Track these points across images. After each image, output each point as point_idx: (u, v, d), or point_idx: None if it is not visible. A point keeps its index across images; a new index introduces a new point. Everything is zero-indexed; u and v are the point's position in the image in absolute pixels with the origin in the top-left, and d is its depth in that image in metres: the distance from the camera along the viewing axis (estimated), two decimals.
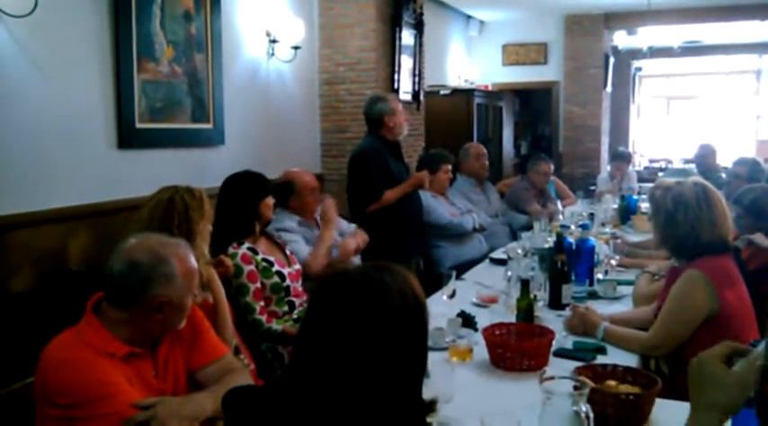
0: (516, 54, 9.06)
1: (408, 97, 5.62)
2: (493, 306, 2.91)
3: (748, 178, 4.70)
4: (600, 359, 2.24)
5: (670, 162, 11.97)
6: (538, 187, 5.68)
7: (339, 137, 5.23)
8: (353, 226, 3.88)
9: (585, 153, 8.90)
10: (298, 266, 3.15)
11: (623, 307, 2.91)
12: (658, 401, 1.84)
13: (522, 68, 9.03)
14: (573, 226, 4.00)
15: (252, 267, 2.89)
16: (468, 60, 8.86)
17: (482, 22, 9.04)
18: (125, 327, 1.76)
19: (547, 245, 3.32)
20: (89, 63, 3.18)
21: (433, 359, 1.42)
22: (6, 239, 2.80)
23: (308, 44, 5.00)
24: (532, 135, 10.73)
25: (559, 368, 2.08)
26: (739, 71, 13.59)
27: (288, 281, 2.99)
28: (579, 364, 2.09)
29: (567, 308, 2.76)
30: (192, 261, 1.86)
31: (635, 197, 5.47)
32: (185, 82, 3.75)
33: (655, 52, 10.28)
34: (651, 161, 12.64)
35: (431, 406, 1.30)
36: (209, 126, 3.95)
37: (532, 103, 10.45)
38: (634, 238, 4.30)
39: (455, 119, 6.87)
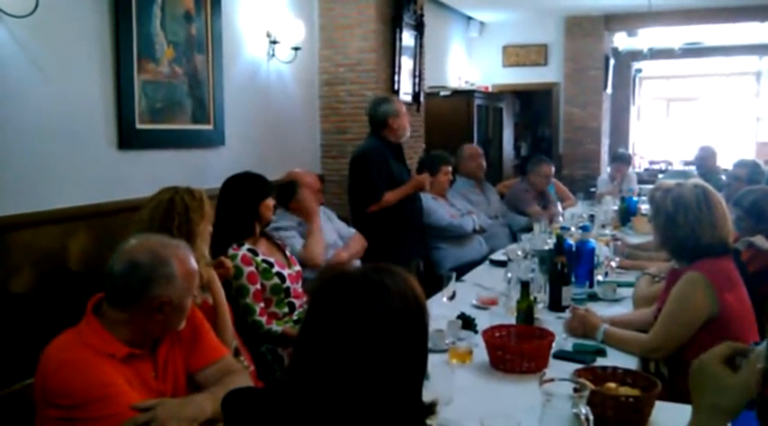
0: (516, 55, 9.06)
1: (408, 98, 5.62)
2: (493, 308, 2.91)
3: (748, 180, 4.71)
4: (600, 362, 2.24)
5: (670, 164, 11.97)
6: (538, 189, 5.68)
7: (339, 138, 5.23)
8: (353, 230, 3.88)
9: (585, 154, 8.90)
10: (298, 267, 3.15)
11: (623, 309, 2.91)
12: (658, 403, 1.84)
13: (523, 70, 9.03)
14: (573, 228, 4.00)
15: (252, 268, 2.89)
16: (468, 61, 8.87)
17: (482, 24, 9.05)
18: (125, 328, 1.76)
19: (547, 247, 3.32)
20: (90, 63, 3.18)
21: (433, 360, 1.42)
22: (6, 239, 2.80)
23: (309, 45, 5.00)
24: (532, 136, 10.73)
25: (559, 370, 2.08)
26: (739, 73, 13.59)
27: (288, 283, 2.99)
28: (579, 366, 2.09)
29: (567, 310, 2.76)
30: (193, 262, 1.86)
31: (635, 199, 5.47)
32: (186, 82, 3.75)
33: (655, 54, 10.29)
34: (651, 163, 12.64)
35: (431, 408, 1.29)
36: (209, 127, 3.95)
37: (533, 105, 10.46)
38: (634, 240, 4.31)
39: (455, 121, 6.87)
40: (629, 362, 2.26)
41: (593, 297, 3.09)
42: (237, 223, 2.96)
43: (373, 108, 4.16)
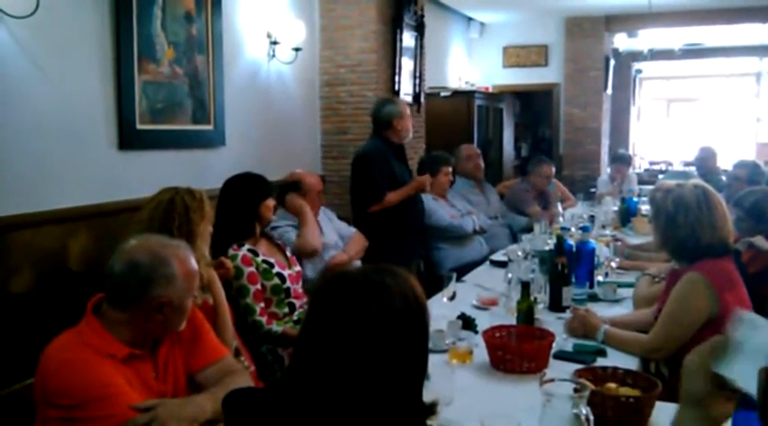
0: (517, 56, 9.06)
1: (409, 99, 5.62)
2: (493, 309, 2.91)
3: (748, 181, 4.71)
4: (600, 362, 2.24)
5: (670, 164, 11.97)
6: (538, 189, 5.68)
7: (339, 138, 5.23)
8: (353, 230, 3.88)
9: (586, 155, 8.90)
10: (298, 268, 3.15)
11: (623, 310, 2.91)
12: (658, 404, 1.84)
13: (523, 70, 9.03)
14: (573, 229, 4.00)
15: (252, 269, 2.89)
16: (468, 62, 8.87)
17: (483, 24, 9.05)
18: (125, 328, 1.76)
19: (547, 248, 3.32)
20: (90, 64, 3.18)
21: (434, 361, 1.43)
22: (7, 239, 2.80)
23: (309, 45, 5.00)
24: (533, 137, 10.73)
25: (559, 370, 2.08)
26: (740, 74, 13.59)
27: (288, 283, 2.99)
28: (579, 366, 2.09)
29: (568, 311, 2.77)
30: (193, 262, 1.86)
31: (635, 199, 5.47)
32: (186, 83, 3.75)
33: (655, 54, 10.29)
34: (651, 163, 12.64)
35: (431, 408, 1.29)
36: (209, 127, 3.95)
37: (533, 105, 10.46)
38: (634, 240, 4.31)
39: (456, 121, 6.86)
40: (630, 363, 2.26)
41: (594, 298, 3.09)
42: (238, 223, 2.96)
43: (378, 109, 4.17)
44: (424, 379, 1.28)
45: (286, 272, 3.01)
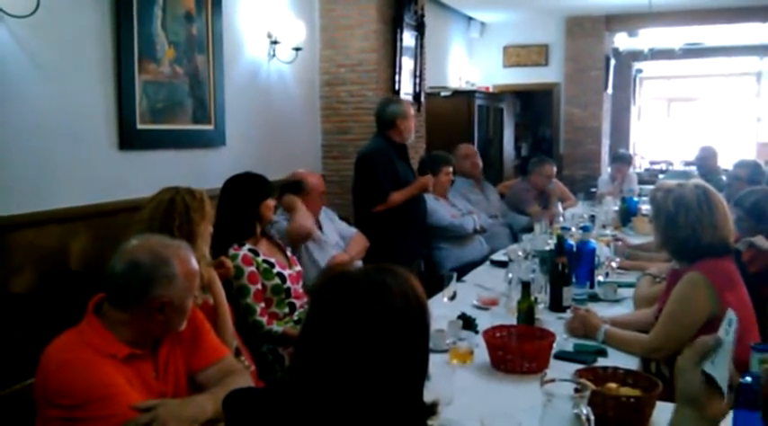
0: (517, 56, 9.06)
1: (409, 99, 5.62)
2: (493, 309, 2.92)
3: (749, 180, 4.70)
4: (600, 362, 2.24)
5: (671, 164, 11.96)
6: (539, 188, 5.68)
7: (340, 138, 5.23)
8: (354, 230, 3.89)
9: (586, 155, 8.89)
10: (298, 268, 3.15)
11: (624, 310, 2.91)
12: (659, 404, 1.84)
13: (523, 70, 9.03)
14: (574, 228, 4.00)
15: (253, 268, 2.89)
16: (469, 62, 8.87)
17: (483, 24, 9.05)
18: (126, 328, 1.76)
19: (547, 248, 3.32)
20: (90, 64, 3.18)
21: (434, 361, 1.42)
22: (7, 239, 2.80)
23: (309, 45, 5.00)
24: (533, 137, 10.73)
25: (560, 370, 2.08)
26: (740, 73, 13.58)
27: (288, 283, 2.99)
28: (580, 366, 2.09)
29: (568, 311, 2.77)
30: (194, 262, 1.86)
31: (636, 199, 5.47)
32: (186, 83, 3.75)
33: (655, 54, 10.28)
34: (652, 163, 12.63)
35: (432, 409, 1.29)
36: (210, 127, 3.95)
37: (533, 105, 10.45)
38: (635, 240, 4.31)
39: (456, 121, 6.86)
40: (630, 363, 2.26)
41: (594, 298, 3.09)
42: (238, 223, 2.96)
43: (381, 108, 4.19)
44: (424, 379, 1.28)
45: (286, 272, 3.01)
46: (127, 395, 1.68)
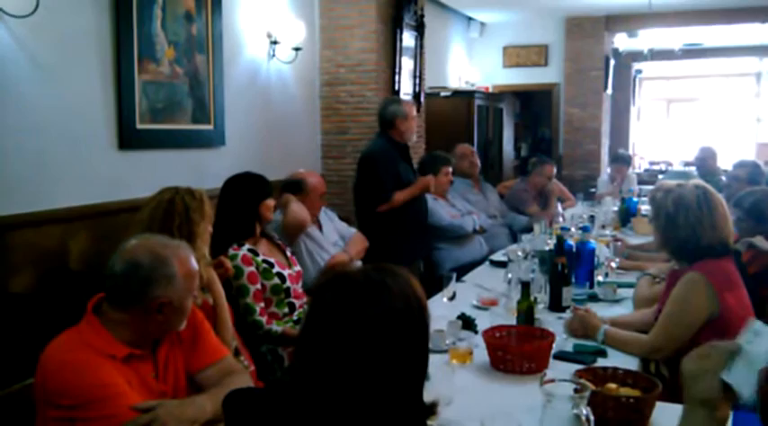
0: (517, 56, 9.06)
1: (409, 99, 5.62)
2: (493, 309, 2.92)
3: (748, 181, 4.70)
4: (600, 362, 2.25)
5: (670, 164, 11.96)
6: (538, 188, 5.68)
7: (339, 138, 5.23)
8: (353, 230, 3.89)
9: (586, 155, 8.89)
10: (298, 268, 3.16)
11: (623, 310, 2.91)
12: (659, 404, 1.84)
13: (523, 70, 9.03)
14: (573, 229, 4.00)
15: (252, 268, 2.89)
16: (468, 62, 8.87)
17: (483, 24, 9.05)
18: (125, 328, 1.76)
19: (547, 248, 3.32)
20: (90, 63, 3.18)
21: (434, 361, 1.42)
22: (7, 239, 2.79)
23: (309, 45, 5.00)
24: (533, 137, 10.73)
25: (560, 370, 2.08)
26: (739, 74, 13.59)
27: (288, 283, 2.99)
28: (579, 367, 2.09)
29: (568, 311, 2.77)
30: (193, 262, 1.86)
31: (635, 199, 5.47)
32: (186, 83, 3.75)
33: (655, 54, 10.28)
34: (651, 163, 12.64)
35: (431, 409, 1.29)
36: (209, 127, 3.95)
37: (533, 105, 10.45)
38: (634, 241, 4.31)
39: (456, 121, 6.86)
40: (630, 363, 2.26)
41: (594, 298, 3.09)
42: (238, 223, 2.96)
43: (382, 108, 4.20)
44: (424, 379, 1.28)
45: (286, 272, 3.01)
46: (126, 396, 1.68)
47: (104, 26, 3.23)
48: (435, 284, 3.13)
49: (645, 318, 2.56)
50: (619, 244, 3.89)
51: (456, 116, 6.89)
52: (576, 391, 1.45)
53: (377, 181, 4.03)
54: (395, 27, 5.34)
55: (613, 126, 10.14)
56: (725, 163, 6.76)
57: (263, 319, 2.88)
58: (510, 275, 3.07)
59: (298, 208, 3.42)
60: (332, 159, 5.26)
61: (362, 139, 4.94)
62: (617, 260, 3.56)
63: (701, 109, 14.32)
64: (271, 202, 3.06)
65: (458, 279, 3.10)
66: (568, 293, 2.90)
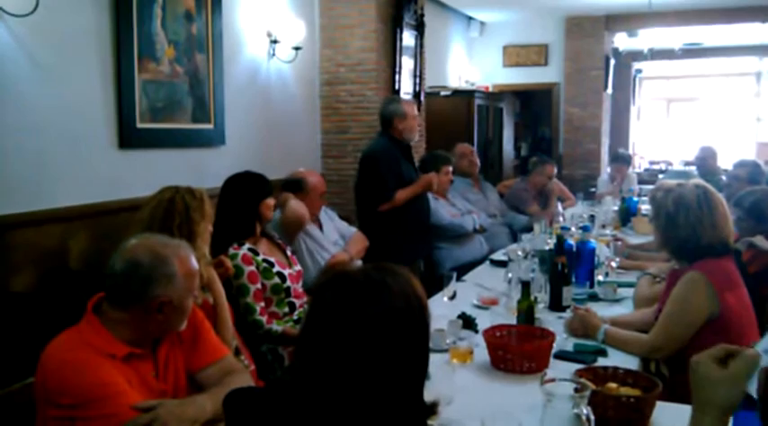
0: (517, 55, 9.06)
1: (409, 98, 5.62)
2: (493, 308, 2.92)
3: (749, 180, 4.70)
4: (600, 362, 2.24)
5: (670, 164, 11.97)
6: (537, 188, 5.68)
7: (339, 137, 5.23)
8: (354, 229, 3.89)
9: (586, 154, 8.90)
10: (298, 267, 3.15)
11: (624, 310, 2.91)
12: (659, 403, 1.84)
13: (523, 70, 9.03)
14: (573, 228, 4.00)
15: (252, 268, 2.89)
16: (468, 61, 8.86)
17: (483, 24, 9.04)
18: (126, 327, 1.76)
19: (547, 247, 3.32)
20: (90, 63, 3.18)
21: (434, 360, 1.42)
22: (7, 238, 2.79)
23: (309, 44, 4.99)
24: (533, 136, 10.73)
25: (560, 370, 2.08)
26: (739, 73, 13.59)
27: (288, 282, 2.99)
28: (580, 366, 2.09)
29: (568, 310, 2.77)
30: (193, 261, 1.86)
31: (635, 199, 5.47)
32: (186, 82, 3.74)
33: (655, 54, 10.27)
34: (651, 163, 12.64)
35: (432, 408, 1.29)
36: (209, 126, 3.95)
37: (533, 105, 10.45)
38: (634, 240, 4.31)
39: (456, 121, 6.86)
40: (630, 362, 2.26)
41: (594, 298, 3.09)
42: (238, 222, 2.96)
43: (383, 107, 4.22)
44: (424, 379, 1.28)
45: (286, 272, 3.01)
46: (126, 395, 1.68)
47: (104, 25, 3.23)
48: (436, 283, 3.13)
49: (645, 318, 2.56)
50: (619, 243, 3.89)
51: (456, 115, 6.89)
52: (576, 390, 1.45)
53: (379, 181, 4.03)
54: (395, 26, 5.34)
55: (613, 125, 10.14)
56: (725, 162, 6.76)
57: (264, 318, 2.87)
58: (510, 274, 3.07)
59: (296, 205, 3.42)
60: (332, 158, 5.26)
61: (362, 139, 4.94)
62: (617, 259, 3.56)
63: (701, 108, 14.32)
64: (271, 201, 3.06)
65: (458, 279, 3.10)
66: (569, 293, 2.90)
